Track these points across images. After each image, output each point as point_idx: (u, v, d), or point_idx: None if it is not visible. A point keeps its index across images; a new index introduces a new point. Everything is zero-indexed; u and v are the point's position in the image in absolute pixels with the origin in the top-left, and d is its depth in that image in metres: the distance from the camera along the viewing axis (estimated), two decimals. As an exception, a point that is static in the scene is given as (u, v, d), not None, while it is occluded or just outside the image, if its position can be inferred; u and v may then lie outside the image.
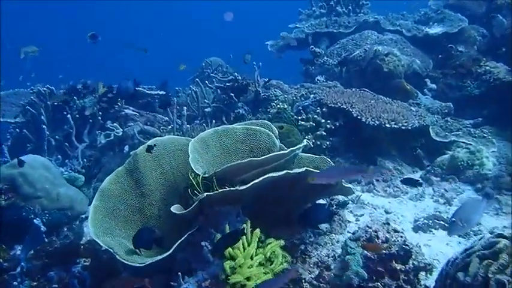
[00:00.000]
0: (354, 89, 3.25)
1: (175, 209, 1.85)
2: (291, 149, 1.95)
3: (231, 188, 1.76)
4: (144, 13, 21.60)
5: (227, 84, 3.58)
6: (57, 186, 2.44)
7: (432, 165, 2.85)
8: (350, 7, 4.83)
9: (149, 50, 4.25)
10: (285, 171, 1.76)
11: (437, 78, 4.04)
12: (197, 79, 4.10)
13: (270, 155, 1.89)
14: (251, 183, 1.72)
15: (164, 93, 4.71)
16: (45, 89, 3.61)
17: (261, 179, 1.73)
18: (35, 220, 2.06)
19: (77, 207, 2.51)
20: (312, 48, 4.51)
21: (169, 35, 19.31)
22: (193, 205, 1.78)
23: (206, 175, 1.89)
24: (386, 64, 3.73)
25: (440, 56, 4.18)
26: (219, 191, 1.75)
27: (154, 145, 2.08)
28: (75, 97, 3.61)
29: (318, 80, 4.13)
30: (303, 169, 1.80)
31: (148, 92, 4.31)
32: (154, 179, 2.12)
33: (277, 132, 2.30)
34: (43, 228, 2.11)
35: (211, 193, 1.75)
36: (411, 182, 2.41)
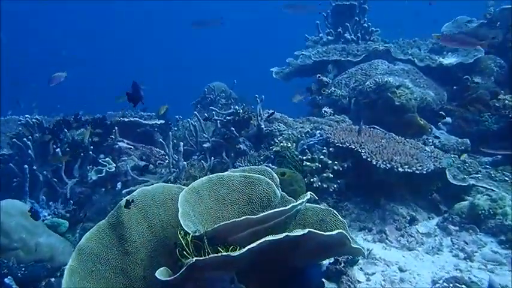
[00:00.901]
0: (363, 126, 3.07)
1: (160, 274, 1.65)
2: (293, 204, 1.76)
3: (223, 253, 1.57)
4: (147, 30, 21.76)
5: (227, 117, 3.41)
6: (37, 235, 2.26)
7: (450, 213, 2.64)
8: (359, 34, 4.70)
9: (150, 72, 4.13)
10: (284, 235, 1.57)
11: (452, 112, 3.86)
12: (195, 112, 3.95)
13: (269, 212, 1.70)
14: (246, 248, 1.53)
15: (163, 122, 4.59)
16: (34, 120, 3.47)
17: (257, 243, 1.53)
18: (6, 279, 1.88)
19: (58, 258, 2.33)
20: (319, 77, 4.36)
21: (173, 55, 19.39)
22: (181, 271, 1.58)
23: (197, 234, 1.70)
24: (398, 97, 3.55)
25: (455, 87, 4.01)
26: (209, 256, 1.55)
27: (132, 200, 1.89)
28: (65, 129, 3.46)
29: (325, 111, 3.97)
30: (306, 230, 1.61)
31: (145, 122, 4.17)
32: (140, 234, 1.93)
33: (278, 180, 2.12)
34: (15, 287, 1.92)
35: (201, 258, 1.56)
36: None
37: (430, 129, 3.61)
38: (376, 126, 3.19)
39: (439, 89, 4.02)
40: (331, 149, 2.81)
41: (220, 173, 2.10)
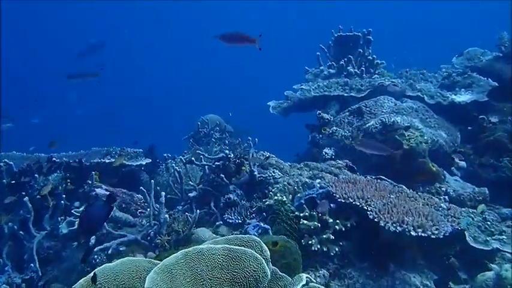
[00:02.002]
0: (368, 177, 2.77)
1: None
2: (284, 295, 1.45)
3: None
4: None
5: (216, 163, 3.12)
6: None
7: (473, 285, 2.32)
8: (363, 67, 4.45)
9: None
10: None
11: (467, 155, 3.57)
12: (181, 157, 3.66)
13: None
14: None
15: (150, 161, 4.30)
16: (1, 164, 3.18)
17: None
18: None
19: None
20: (319, 114, 4.09)
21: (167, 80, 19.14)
22: None
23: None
24: (406, 140, 3.27)
25: (469, 128, 3.73)
26: None
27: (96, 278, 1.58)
28: (36, 174, 3.17)
29: (325, 153, 3.68)
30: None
31: (129, 163, 3.89)
32: (99, 327, 1.61)
33: (268, 253, 1.80)
34: None
35: None
36: None
37: (443, 177, 3.31)
38: (383, 177, 2.89)
39: (452, 130, 3.74)
40: (332, 204, 2.50)
41: (199, 246, 1.79)
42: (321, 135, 4.00)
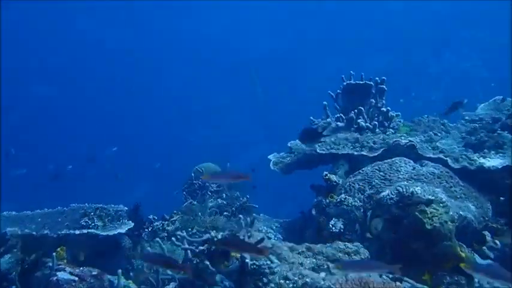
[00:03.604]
0: (384, 278, 2.31)
1: None
2: None
3: None
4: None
5: (200, 247, 2.68)
6: None
7: None
8: (376, 121, 4.03)
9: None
10: None
11: (500, 231, 3.10)
12: (158, 239, 3.23)
13: None
14: None
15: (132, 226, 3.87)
16: None
17: None
18: None
19: None
20: (326, 175, 3.66)
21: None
22: None
23: None
24: (429, 218, 2.80)
25: (502, 198, 3.27)
26: None
27: None
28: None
29: (332, 227, 3.23)
30: None
31: (104, 233, 3.47)
32: None
33: None
34: None
35: None
36: None
37: (473, 261, 2.83)
38: (404, 278, 2.42)
39: (481, 200, 3.27)
40: (338, 318, 2.04)
41: None
42: (327, 201, 3.56)
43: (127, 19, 18.73)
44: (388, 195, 3.08)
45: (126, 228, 3.70)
